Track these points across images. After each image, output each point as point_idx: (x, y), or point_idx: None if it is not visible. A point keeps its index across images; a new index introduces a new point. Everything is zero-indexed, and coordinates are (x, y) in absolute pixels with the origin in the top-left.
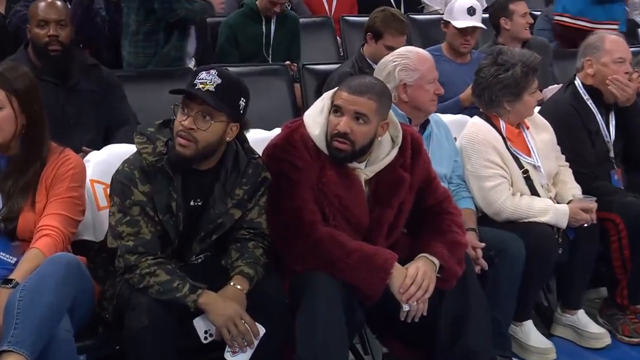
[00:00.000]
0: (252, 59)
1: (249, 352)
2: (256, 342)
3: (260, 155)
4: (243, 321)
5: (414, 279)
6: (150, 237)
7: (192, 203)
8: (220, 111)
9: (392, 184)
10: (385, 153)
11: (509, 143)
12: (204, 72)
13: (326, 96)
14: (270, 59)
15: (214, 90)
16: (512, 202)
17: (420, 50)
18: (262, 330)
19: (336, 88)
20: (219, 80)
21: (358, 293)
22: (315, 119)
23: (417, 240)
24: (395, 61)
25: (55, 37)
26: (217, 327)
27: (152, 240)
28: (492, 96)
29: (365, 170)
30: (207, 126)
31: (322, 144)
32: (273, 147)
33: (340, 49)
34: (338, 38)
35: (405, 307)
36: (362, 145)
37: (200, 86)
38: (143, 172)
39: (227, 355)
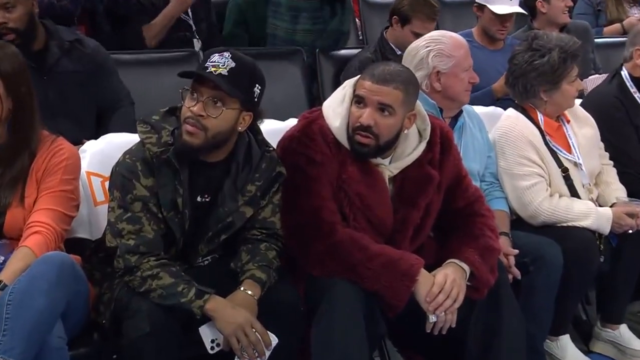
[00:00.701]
0: (263, 42)
1: None
2: (268, 353)
3: (275, 148)
4: (254, 330)
5: (442, 287)
6: (152, 236)
7: (199, 199)
8: (233, 97)
9: (419, 182)
10: (412, 148)
11: (547, 137)
12: (216, 54)
13: (347, 85)
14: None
15: (226, 74)
16: (549, 203)
17: (455, 34)
18: (274, 340)
19: (358, 76)
20: (232, 64)
21: (380, 301)
22: (336, 109)
23: (445, 245)
24: (428, 46)
25: (4, 24)
26: (225, 336)
27: (155, 240)
28: (527, 85)
29: (390, 167)
30: (218, 113)
31: (342, 137)
32: (289, 140)
33: (360, 32)
34: (357, 20)
35: (432, 318)
36: (387, 140)
37: (212, 69)
38: (146, 164)
39: None
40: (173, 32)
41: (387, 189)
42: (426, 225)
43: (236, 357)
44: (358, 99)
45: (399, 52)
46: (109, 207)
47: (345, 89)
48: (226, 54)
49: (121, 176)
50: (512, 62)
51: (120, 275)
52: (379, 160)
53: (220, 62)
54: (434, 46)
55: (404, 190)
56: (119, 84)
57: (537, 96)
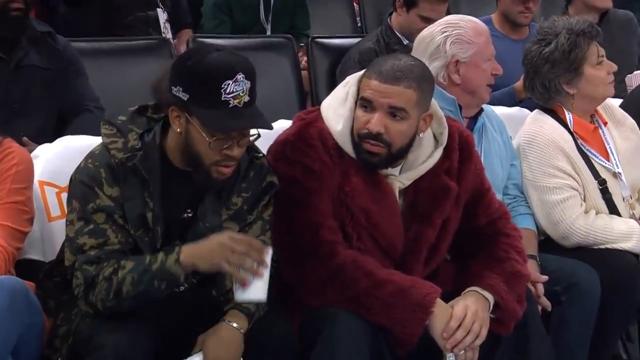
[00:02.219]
0: (247, 29)
1: (266, 275)
2: (268, 259)
3: (264, 154)
4: (238, 240)
5: (462, 321)
6: (119, 248)
7: (184, 215)
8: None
9: (435, 195)
10: (426, 155)
11: (580, 141)
12: (229, 81)
13: (350, 81)
14: (269, 29)
15: (248, 99)
16: (584, 221)
17: (474, 19)
18: (269, 249)
19: (362, 72)
20: (248, 84)
21: (388, 336)
22: (337, 110)
23: (464, 270)
24: (445, 32)
25: None
26: (217, 268)
27: (122, 251)
28: (545, 82)
29: (401, 178)
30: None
31: (346, 144)
32: (282, 145)
33: (358, 19)
34: (355, 4)
35: (450, 357)
36: (400, 147)
37: (236, 102)
38: (111, 171)
39: (238, 295)
40: (136, 8)
41: (397, 204)
42: (442, 246)
43: (234, 284)
44: (364, 102)
45: (406, 42)
46: (67, 221)
47: (348, 86)
48: (239, 77)
49: (82, 184)
50: (524, 62)
51: (82, 294)
52: (388, 169)
53: (240, 90)
54: (451, 31)
55: (416, 205)
56: (88, 89)
57: (562, 92)
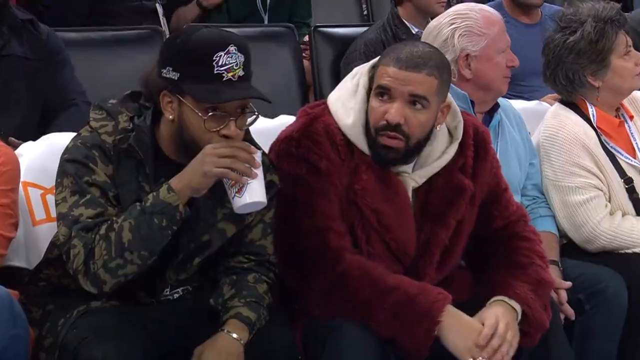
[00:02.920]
0: (244, 18)
1: (260, 175)
2: (258, 158)
3: (266, 152)
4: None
5: (496, 329)
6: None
7: None
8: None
9: (449, 194)
10: (440, 151)
11: (603, 137)
12: (221, 53)
13: (359, 72)
14: (266, 19)
15: (243, 74)
16: (609, 224)
17: (486, 7)
18: (258, 152)
19: (372, 62)
20: (242, 57)
21: (397, 348)
22: (347, 103)
23: (486, 277)
24: (453, 23)
25: None
26: (211, 176)
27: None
28: (569, 74)
29: (414, 175)
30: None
31: (357, 138)
32: (286, 142)
33: (364, 7)
34: None
35: None
36: (418, 140)
37: (230, 75)
38: (104, 153)
39: (235, 202)
40: None
41: (409, 205)
42: (456, 249)
43: (232, 192)
44: (381, 91)
45: (415, 30)
46: (56, 200)
47: (357, 77)
48: (232, 49)
49: (74, 162)
50: (545, 51)
51: (81, 269)
52: (400, 167)
53: (233, 62)
54: (460, 23)
55: (429, 205)
56: (73, 79)
57: (586, 84)
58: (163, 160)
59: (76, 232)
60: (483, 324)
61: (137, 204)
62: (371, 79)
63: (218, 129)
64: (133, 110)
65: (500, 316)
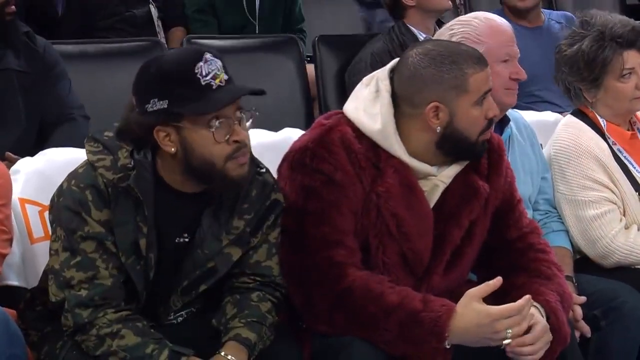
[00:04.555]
0: (239, 29)
1: None
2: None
3: (272, 167)
4: None
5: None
6: (111, 283)
7: (177, 240)
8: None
9: (464, 194)
10: None
11: (616, 147)
12: (200, 63)
13: (377, 77)
14: (257, 27)
15: (228, 77)
16: (625, 238)
17: (494, 16)
18: None
19: (388, 67)
20: (219, 62)
21: None
22: (369, 109)
23: (505, 286)
24: (452, 29)
25: None
26: None
27: (114, 287)
28: (565, 83)
29: (441, 177)
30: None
31: (389, 142)
32: (300, 152)
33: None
34: None
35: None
36: None
37: (217, 82)
38: (99, 193)
39: None
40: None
41: (430, 215)
42: (467, 251)
43: None
44: (485, 96)
45: (423, 36)
46: (50, 250)
47: (374, 83)
48: (207, 56)
49: (66, 209)
50: (556, 52)
51: (70, 334)
52: (427, 169)
53: (214, 68)
54: (458, 29)
55: (445, 203)
56: (70, 93)
57: (581, 97)
58: (167, 192)
59: (70, 307)
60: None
61: (149, 345)
62: (469, 89)
63: (227, 137)
64: (132, 144)
65: (535, 314)
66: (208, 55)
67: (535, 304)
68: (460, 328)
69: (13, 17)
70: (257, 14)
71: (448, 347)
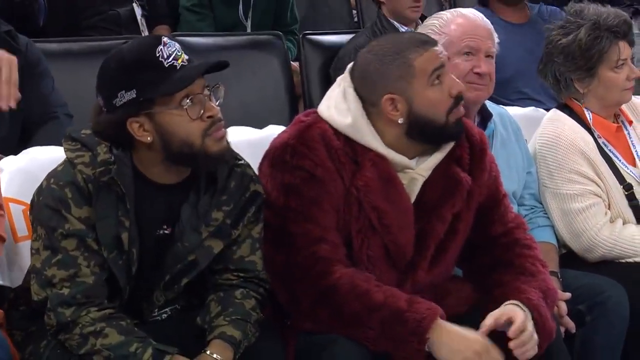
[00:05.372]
0: (230, 27)
1: None
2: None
3: (256, 162)
4: None
5: (524, 325)
6: (92, 281)
7: (158, 232)
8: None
9: (445, 186)
10: None
11: (601, 140)
12: (160, 47)
13: (342, 81)
14: (249, 26)
15: (189, 57)
16: (610, 232)
17: (467, 11)
18: None
19: (347, 71)
20: (178, 45)
21: None
22: (340, 106)
23: (489, 282)
24: (425, 24)
25: None
26: None
27: (96, 285)
28: (556, 74)
29: (419, 170)
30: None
31: (362, 133)
32: (280, 149)
33: (354, 12)
34: None
35: None
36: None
37: (180, 62)
38: (78, 190)
39: None
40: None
41: (410, 207)
42: (451, 246)
43: None
44: (437, 74)
45: (404, 29)
46: (32, 248)
47: (343, 84)
48: (165, 40)
49: (46, 208)
50: (544, 44)
51: (53, 333)
52: (405, 161)
53: (174, 49)
54: (428, 22)
55: (425, 197)
56: (54, 91)
57: (572, 87)
58: (146, 185)
59: (53, 306)
60: (510, 320)
61: (132, 344)
62: (411, 70)
63: (201, 113)
64: (109, 143)
65: (518, 314)
66: (165, 39)
67: (516, 302)
68: (443, 333)
69: None
70: (250, 14)
71: (428, 350)
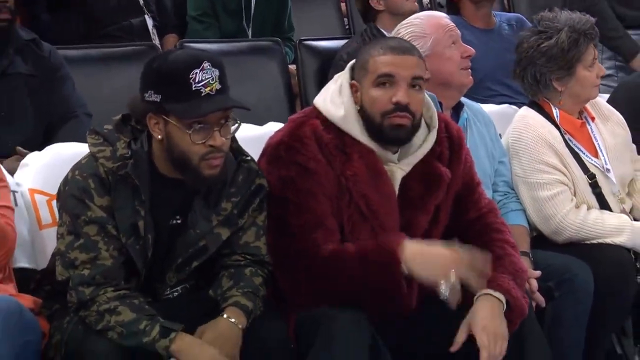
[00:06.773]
0: (233, 35)
1: None
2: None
3: (256, 158)
4: None
5: (487, 348)
6: (111, 264)
7: (171, 222)
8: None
9: (428, 181)
10: (421, 139)
11: (567, 136)
12: (196, 70)
13: (340, 77)
14: (250, 34)
15: (220, 87)
16: (576, 216)
17: (429, 13)
18: None
19: (349, 67)
20: (217, 72)
21: (386, 313)
22: (334, 100)
23: None
24: (399, 32)
25: (4, 2)
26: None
27: (114, 268)
28: (536, 74)
29: (401, 165)
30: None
31: (352, 126)
32: (275, 147)
33: (345, 19)
34: (342, 5)
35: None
36: (419, 117)
37: (207, 90)
38: (100, 181)
39: None
40: (120, 17)
41: (395, 194)
42: (434, 234)
43: None
44: (383, 79)
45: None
46: (57, 233)
47: (340, 80)
48: (206, 65)
49: (71, 197)
50: (518, 49)
51: (74, 310)
52: (388, 155)
53: (209, 77)
54: (405, 30)
55: (409, 191)
56: (74, 93)
57: (550, 87)
58: (159, 177)
59: (74, 285)
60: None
61: (142, 322)
62: (370, 70)
63: (204, 141)
64: (129, 135)
65: (487, 326)
66: (206, 64)
67: (489, 291)
68: (413, 249)
69: (7, 23)
70: (251, 23)
71: (406, 272)
